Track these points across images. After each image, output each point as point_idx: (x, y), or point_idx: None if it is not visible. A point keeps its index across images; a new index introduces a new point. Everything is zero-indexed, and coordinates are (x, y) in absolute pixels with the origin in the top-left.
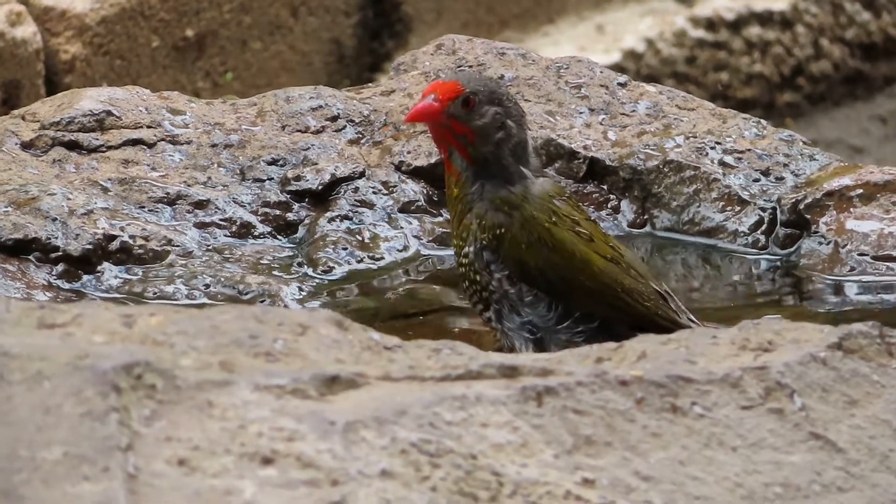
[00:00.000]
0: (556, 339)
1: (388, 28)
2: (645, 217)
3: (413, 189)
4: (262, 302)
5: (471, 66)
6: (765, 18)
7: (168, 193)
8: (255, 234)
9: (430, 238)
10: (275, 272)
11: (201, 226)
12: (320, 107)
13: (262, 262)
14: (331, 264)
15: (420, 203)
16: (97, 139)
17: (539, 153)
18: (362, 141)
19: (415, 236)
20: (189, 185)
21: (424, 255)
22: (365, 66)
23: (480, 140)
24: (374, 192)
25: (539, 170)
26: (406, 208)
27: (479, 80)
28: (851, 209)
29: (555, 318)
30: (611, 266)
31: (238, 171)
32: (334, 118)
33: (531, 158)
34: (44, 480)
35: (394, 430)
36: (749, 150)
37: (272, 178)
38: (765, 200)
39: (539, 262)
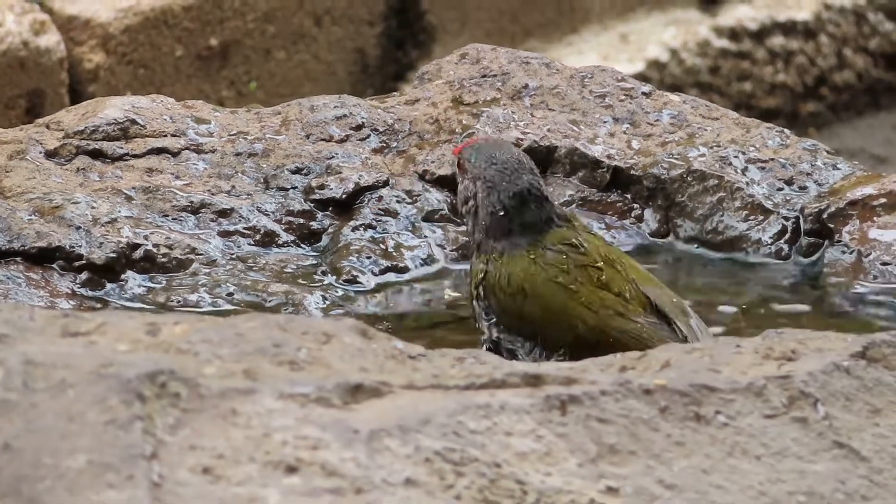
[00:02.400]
0: None
1: (411, 37)
2: (668, 226)
3: (437, 198)
4: (285, 310)
5: (495, 76)
6: (788, 28)
7: (192, 202)
8: (279, 242)
9: (454, 247)
10: (299, 280)
11: (225, 234)
12: (344, 116)
13: (285, 270)
14: (354, 273)
15: (444, 212)
16: (121, 148)
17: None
18: (386, 150)
19: (438, 245)
20: (213, 194)
21: (449, 269)
22: (389, 75)
23: (458, 201)
24: (397, 201)
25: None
26: (430, 217)
27: (482, 151)
28: (875, 218)
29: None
30: (590, 314)
31: (262, 180)
32: (358, 127)
33: (514, 229)
34: (68, 488)
35: (418, 439)
36: (772, 159)
37: (296, 187)
38: (788, 209)
39: (520, 311)
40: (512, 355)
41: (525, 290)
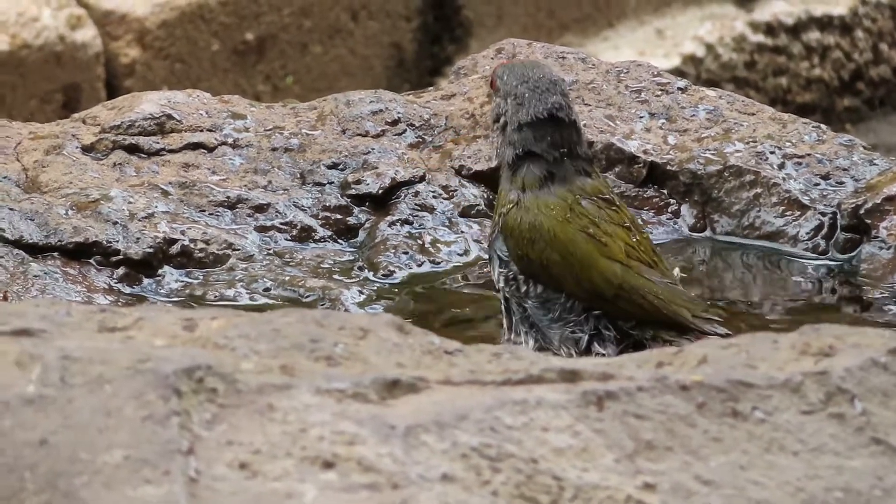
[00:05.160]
0: (555, 333)
1: (448, 32)
2: (704, 221)
3: (473, 193)
4: (322, 306)
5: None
6: (824, 23)
7: (228, 197)
8: (316, 237)
9: None
10: (335, 276)
11: (262, 229)
12: (380, 111)
13: (322, 265)
14: (391, 268)
15: (480, 207)
16: (158, 143)
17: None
18: (422, 145)
19: (475, 240)
20: (249, 189)
21: (484, 260)
22: (425, 70)
23: (489, 118)
24: (434, 197)
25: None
26: (466, 212)
27: (515, 70)
28: None
29: (554, 313)
30: (614, 266)
31: (298, 175)
32: (395, 122)
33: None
34: (104, 483)
35: (454, 435)
36: (809, 154)
37: (332, 182)
38: (825, 205)
39: (540, 257)
40: (521, 302)
41: (548, 237)
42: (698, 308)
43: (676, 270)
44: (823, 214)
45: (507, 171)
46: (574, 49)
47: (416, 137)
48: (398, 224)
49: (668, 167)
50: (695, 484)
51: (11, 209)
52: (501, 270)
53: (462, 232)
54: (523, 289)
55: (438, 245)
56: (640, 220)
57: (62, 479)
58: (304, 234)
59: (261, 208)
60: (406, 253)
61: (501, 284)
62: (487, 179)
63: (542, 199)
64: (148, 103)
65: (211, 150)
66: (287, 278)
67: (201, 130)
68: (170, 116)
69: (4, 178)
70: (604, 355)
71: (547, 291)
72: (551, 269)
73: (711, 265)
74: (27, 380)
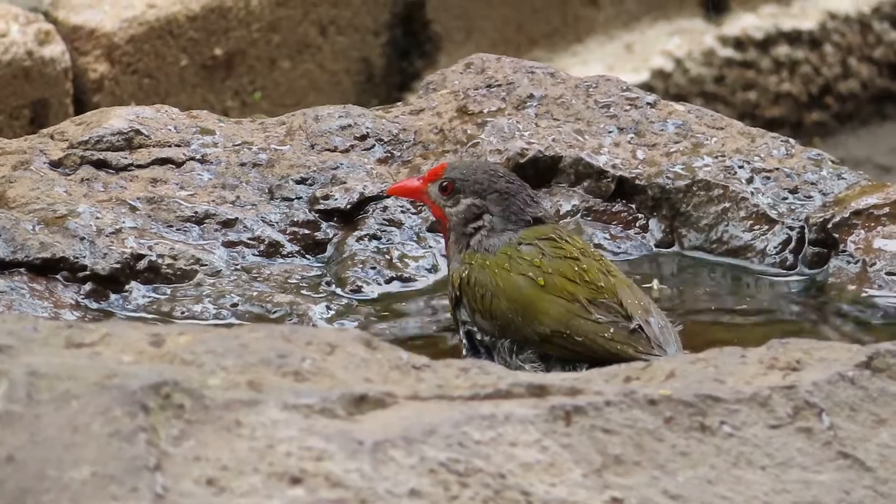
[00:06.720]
0: None
1: (417, 47)
2: (673, 236)
3: None
4: (290, 321)
5: (500, 86)
6: (793, 38)
7: (196, 212)
8: (284, 253)
9: None
10: (303, 291)
11: (229, 245)
12: (349, 126)
13: (290, 281)
14: (359, 283)
15: None
16: (126, 158)
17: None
18: (391, 160)
19: (443, 255)
20: (217, 204)
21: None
22: (394, 85)
23: (453, 225)
24: (402, 212)
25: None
26: (434, 227)
27: (467, 169)
28: (879, 228)
29: (516, 363)
30: (559, 307)
31: (266, 190)
32: (363, 137)
33: (515, 226)
34: (71, 500)
35: (422, 450)
36: (777, 168)
37: (301, 197)
38: (793, 219)
39: (490, 309)
40: (490, 357)
41: (494, 287)
42: (639, 345)
43: (655, 283)
44: (791, 229)
45: (457, 252)
46: (543, 64)
47: (385, 152)
48: (366, 239)
49: (637, 181)
50: (663, 498)
51: None
52: (463, 327)
53: (430, 247)
54: (488, 340)
55: (406, 260)
56: (597, 241)
57: (29, 496)
58: (272, 250)
59: (229, 223)
60: (374, 268)
61: (465, 341)
62: None
63: (485, 258)
64: (116, 119)
65: (179, 165)
66: (255, 294)
67: (169, 146)
68: (138, 132)
69: None
70: None
71: (494, 339)
72: (497, 317)
73: (679, 279)
74: None
